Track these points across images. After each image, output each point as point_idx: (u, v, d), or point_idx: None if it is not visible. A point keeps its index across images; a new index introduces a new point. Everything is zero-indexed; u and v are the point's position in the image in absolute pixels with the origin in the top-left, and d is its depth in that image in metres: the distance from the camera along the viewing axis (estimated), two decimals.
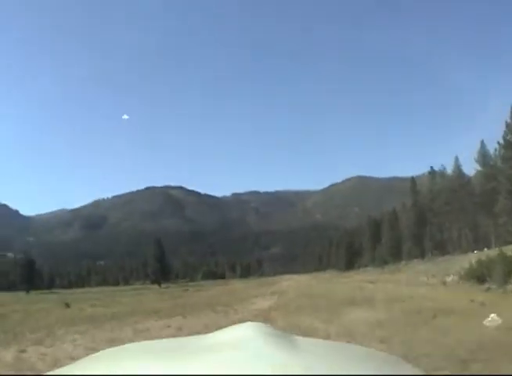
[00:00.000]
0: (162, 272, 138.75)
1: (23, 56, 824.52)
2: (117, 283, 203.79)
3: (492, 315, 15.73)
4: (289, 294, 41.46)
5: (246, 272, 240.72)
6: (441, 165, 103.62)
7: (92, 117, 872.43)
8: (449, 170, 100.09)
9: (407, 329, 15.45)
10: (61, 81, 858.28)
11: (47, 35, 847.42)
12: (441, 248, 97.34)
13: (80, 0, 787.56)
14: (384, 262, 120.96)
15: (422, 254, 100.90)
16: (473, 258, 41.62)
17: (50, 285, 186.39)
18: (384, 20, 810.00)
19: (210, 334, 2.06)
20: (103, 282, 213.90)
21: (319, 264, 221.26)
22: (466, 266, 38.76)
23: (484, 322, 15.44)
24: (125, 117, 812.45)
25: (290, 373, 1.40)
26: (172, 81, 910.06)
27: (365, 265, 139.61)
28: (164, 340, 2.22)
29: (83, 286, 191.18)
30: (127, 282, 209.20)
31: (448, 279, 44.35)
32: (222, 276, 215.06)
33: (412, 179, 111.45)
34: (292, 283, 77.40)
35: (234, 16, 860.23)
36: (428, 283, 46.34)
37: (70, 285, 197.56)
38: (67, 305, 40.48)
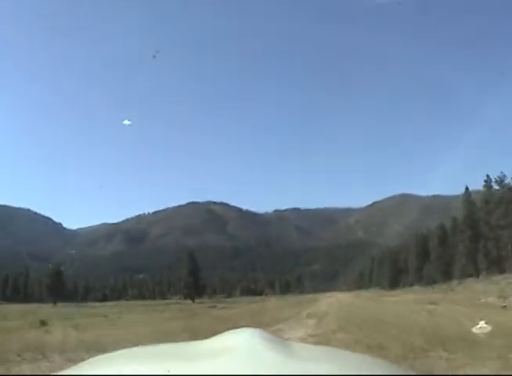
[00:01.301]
0: (196, 287, 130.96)
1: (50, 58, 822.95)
2: (153, 298, 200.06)
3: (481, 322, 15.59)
4: (330, 317, 32.34)
5: (286, 289, 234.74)
6: (500, 172, 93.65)
7: (133, 132, 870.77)
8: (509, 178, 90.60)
9: None
10: (116, 96, 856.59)
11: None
12: (497, 266, 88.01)
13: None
14: (432, 281, 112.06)
15: (477, 273, 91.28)
16: None
17: (84, 298, 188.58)
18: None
19: (207, 340, 2.02)
20: (139, 296, 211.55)
21: (360, 282, 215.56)
22: None
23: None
24: (126, 122, 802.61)
25: None
26: (218, 92, 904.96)
27: (411, 284, 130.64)
28: (160, 345, 2.17)
29: (118, 299, 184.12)
30: (163, 296, 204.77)
31: None
32: (261, 293, 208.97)
33: (467, 190, 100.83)
34: (333, 301, 69.93)
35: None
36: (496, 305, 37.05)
37: (104, 298, 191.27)
38: (42, 324, 32.09)
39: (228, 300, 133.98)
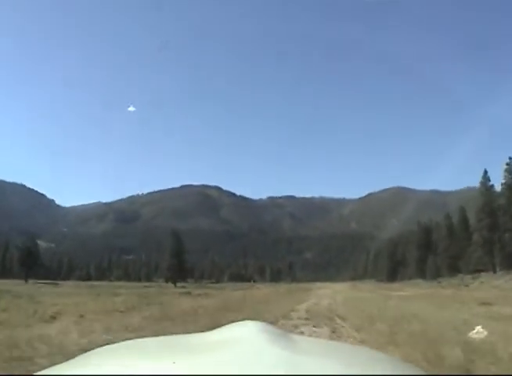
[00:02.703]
0: (180, 270, 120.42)
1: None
2: (139, 279, 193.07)
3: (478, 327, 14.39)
4: (340, 318, 21.47)
5: (276, 277, 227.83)
6: None
7: (132, 114, 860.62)
8: None
9: None
10: (113, 74, 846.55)
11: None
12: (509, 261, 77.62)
13: None
14: (437, 275, 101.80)
15: (493, 267, 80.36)
16: None
17: (67, 276, 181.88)
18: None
19: (208, 333, 2.01)
20: (124, 276, 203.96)
21: (354, 273, 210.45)
22: None
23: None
24: (131, 109, 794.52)
25: (290, 372, 1.38)
26: (214, 80, 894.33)
27: (410, 277, 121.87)
28: (164, 337, 2.14)
29: (101, 279, 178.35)
30: (149, 278, 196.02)
31: None
32: (250, 280, 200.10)
33: (485, 174, 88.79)
34: (330, 293, 59.34)
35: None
36: None
37: (88, 277, 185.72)
38: None
39: (213, 285, 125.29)
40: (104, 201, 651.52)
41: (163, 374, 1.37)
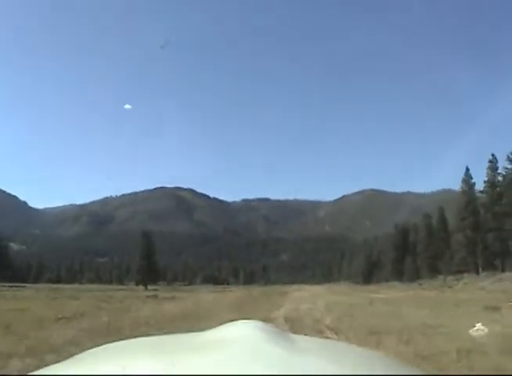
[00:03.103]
0: (149, 272, 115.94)
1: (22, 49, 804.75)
2: (110, 282, 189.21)
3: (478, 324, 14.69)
4: (327, 327, 17.66)
5: (250, 279, 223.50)
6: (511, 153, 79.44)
7: (103, 114, 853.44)
8: None
9: None
10: (79, 74, 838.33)
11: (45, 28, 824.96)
12: (494, 261, 74.67)
13: None
14: (415, 276, 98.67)
15: (476, 268, 76.98)
16: None
17: (37, 278, 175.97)
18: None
19: (206, 332, 2.01)
20: (96, 279, 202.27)
21: (329, 275, 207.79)
22: None
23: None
24: (127, 106, 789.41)
25: (288, 371, 1.38)
26: (188, 81, 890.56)
27: (387, 279, 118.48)
28: (162, 336, 2.16)
29: (72, 282, 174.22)
30: (121, 281, 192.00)
31: None
32: (224, 282, 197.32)
33: (467, 172, 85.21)
34: (307, 296, 55.59)
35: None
36: None
37: (58, 280, 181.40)
38: None
39: (185, 288, 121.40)
40: (78, 203, 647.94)
41: (160, 374, 1.37)
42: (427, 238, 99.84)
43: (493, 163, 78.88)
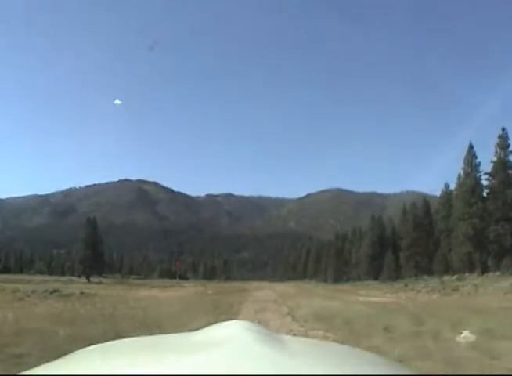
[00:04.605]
0: (94, 262, 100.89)
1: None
2: (62, 273, 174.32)
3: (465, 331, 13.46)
4: None
5: (210, 274, 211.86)
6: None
7: (71, 105, 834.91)
8: None
9: None
10: (46, 67, 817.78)
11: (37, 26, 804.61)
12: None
13: None
14: (395, 276, 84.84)
15: (483, 265, 62.34)
16: None
17: None
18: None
19: (196, 332, 2.00)
20: (47, 270, 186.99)
21: (292, 273, 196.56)
22: None
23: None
24: (117, 102, 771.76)
25: (278, 371, 1.36)
26: (159, 76, 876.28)
27: (360, 278, 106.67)
28: (152, 337, 2.16)
29: (20, 272, 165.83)
30: (72, 272, 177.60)
31: None
32: (182, 277, 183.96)
33: (471, 147, 69.91)
34: (274, 297, 42.81)
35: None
36: None
37: (5, 270, 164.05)
38: None
39: (135, 282, 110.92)
40: (40, 194, 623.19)
41: (151, 375, 1.35)
42: (415, 231, 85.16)
43: (503, 139, 64.13)
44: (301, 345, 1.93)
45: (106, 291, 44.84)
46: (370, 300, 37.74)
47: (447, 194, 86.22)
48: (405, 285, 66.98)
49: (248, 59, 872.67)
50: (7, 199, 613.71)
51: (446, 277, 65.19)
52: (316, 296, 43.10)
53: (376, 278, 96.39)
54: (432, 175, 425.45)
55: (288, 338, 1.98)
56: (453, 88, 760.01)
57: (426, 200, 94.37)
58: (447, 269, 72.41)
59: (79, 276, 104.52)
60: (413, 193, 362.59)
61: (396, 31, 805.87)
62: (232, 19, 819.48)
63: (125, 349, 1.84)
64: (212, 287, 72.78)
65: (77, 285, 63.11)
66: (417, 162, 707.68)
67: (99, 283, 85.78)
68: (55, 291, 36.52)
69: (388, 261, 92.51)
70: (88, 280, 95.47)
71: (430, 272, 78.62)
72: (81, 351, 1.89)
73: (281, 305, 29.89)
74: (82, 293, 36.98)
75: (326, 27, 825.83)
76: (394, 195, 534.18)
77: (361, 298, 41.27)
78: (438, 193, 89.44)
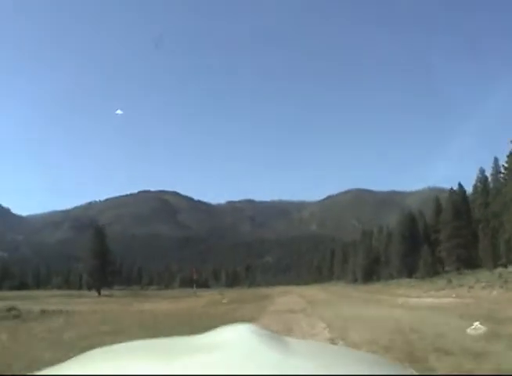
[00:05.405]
0: (103, 273, 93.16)
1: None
2: (80, 287, 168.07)
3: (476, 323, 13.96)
4: None
5: (233, 281, 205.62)
6: None
7: (88, 119, 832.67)
8: None
9: None
10: (58, 82, 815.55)
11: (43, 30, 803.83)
12: None
13: None
14: (433, 272, 76.03)
15: None
16: None
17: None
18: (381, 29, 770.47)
19: (200, 335, 1.95)
20: (65, 285, 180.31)
21: (318, 275, 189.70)
22: None
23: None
24: (119, 112, 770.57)
25: (283, 373, 1.37)
26: (169, 84, 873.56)
27: (392, 277, 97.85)
28: (155, 340, 2.11)
29: (38, 288, 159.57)
30: (89, 286, 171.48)
31: None
32: (204, 285, 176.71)
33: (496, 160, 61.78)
34: (298, 301, 36.89)
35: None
36: None
37: (22, 286, 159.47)
38: None
39: (149, 293, 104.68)
40: (61, 209, 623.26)
41: (156, 375, 1.37)
42: (455, 220, 75.80)
43: None
44: (306, 348, 1.91)
45: (97, 307, 36.75)
46: (426, 302, 29.36)
47: (483, 180, 77.77)
48: (449, 281, 58.02)
49: (267, 61, 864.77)
50: (28, 215, 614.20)
51: (500, 269, 56.23)
52: (357, 300, 34.64)
53: (409, 276, 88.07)
54: (449, 170, 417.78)
55: (294, 340, 1.94)
56: (465, 82, 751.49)
57: (461, 186, 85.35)
58: (495, 261, 63.71)
59: (89, 290, 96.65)
60: (433, 189, 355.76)
61: (397, 31, 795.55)
62: (234, 19, 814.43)
63: (133, 351, 1.84)
64: (231, 294, 66.21)
65: (75, 300, 56.57)
66: (434, 159, 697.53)
67: (110, 296, 78.61)
68: (11, 309, 28.37)
69: (425, 256, 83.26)
70: (99, 294, 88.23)
71: (472, 265, 70.01)
72: (90, 352, 1.88)
73: (313, 317, 21.28)
74: (44, 311, 29.16)
75: (328, 28, 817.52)
76: (415, 192, 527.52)
77: (412, 300, 32.95)
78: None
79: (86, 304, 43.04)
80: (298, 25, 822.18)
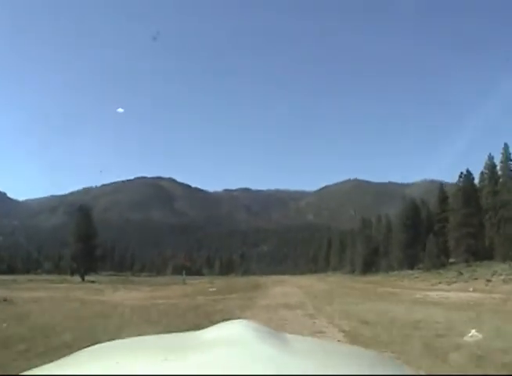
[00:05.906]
0: (90, 258, 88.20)
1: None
2: (71, 272, 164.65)
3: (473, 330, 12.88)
4: None
5: (227, 269, 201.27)
6: None
7: (86, 105, 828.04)
8: None
9: None
10: (57, 69, 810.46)
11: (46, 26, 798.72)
12: None
13: None
14: (440, 263, 70.92)
15: None
16: None
17: None
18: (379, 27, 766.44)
19: (200, 331, 1.96)
20: (55, 269, 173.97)
21: (314, 265, 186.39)
22: None
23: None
24: (120, 110, 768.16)
25: (282, 371, 1.36)
26: (167, 75, 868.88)
27: (393, 268, 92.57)
28: (152, 336, 2.14)
29: (28, 272, 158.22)
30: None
31: None
32: (198, 272, 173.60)
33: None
34: (295, 292, 32.70)
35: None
36: None
37: (9, 270, 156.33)
38: None
39: (136, 279, 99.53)
40: (58, 194, 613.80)
41: (154, 374, 1.35)
42: (465, 207, 70.36)
43: None
44: (305, 345, 1.91)
45: (58, 294, 31.47)
46: (452, 297, 24.10)
47: (491, 168, 72.70)
48: (460, 273, 52.98)
49: (262, 56, 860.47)
50: (25, 200, 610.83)
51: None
52: (366, 294, 29.46)
53: (411, 267, 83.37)
54: (448, 163, 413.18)
55: (293, 337, 1.96)
56: (465, 75, 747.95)
57: (469, 172, 79.90)
58: (507, 252, 58.81)
59: (71, 275, 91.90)
60: (431, 181, 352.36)
61: (398, 29, 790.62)
62: (234, 18, 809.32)
63: (130, 348, 1.83)
64: (221, 283, 64.00)
65: (51, 285, 53.02)
66: (432, 151, 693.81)
67: (93, 282, 73.85)
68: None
69: (431, 246, 77.71)
70: (83, 279, 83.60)
71: (480, 256, 65.00)
72: (85, 350, 1.88)
73: (316, 317, 16.03)
74: (5, 300, 24.04)
75: (329, 25, 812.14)
76: (413, 184, 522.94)
77: (432, 294, 27.68)
78: (455, 181, 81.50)
79: (54, 290, 38.15)
80: (299, 24, 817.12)
